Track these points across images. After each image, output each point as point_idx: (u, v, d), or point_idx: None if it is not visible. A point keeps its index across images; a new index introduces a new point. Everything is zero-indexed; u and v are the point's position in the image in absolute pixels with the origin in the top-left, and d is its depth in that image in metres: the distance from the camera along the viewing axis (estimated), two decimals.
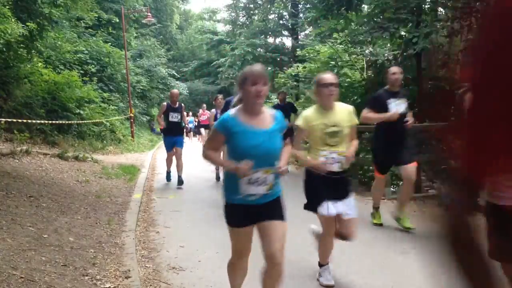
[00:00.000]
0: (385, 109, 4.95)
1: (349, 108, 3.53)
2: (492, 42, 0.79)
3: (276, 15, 28.10)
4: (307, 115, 3.43)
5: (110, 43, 19.41)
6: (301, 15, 27.39)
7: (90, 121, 12.87)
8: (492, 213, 1.31)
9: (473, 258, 0.85)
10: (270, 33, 29.51)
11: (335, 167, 3.36)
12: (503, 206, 1.30)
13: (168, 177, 8.74)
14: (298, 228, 4.14)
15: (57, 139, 10.95)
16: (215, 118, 8.06)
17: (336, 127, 3.35)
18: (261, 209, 2.62)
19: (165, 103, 8.36)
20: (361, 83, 10.60)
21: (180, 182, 8.21)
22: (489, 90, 0.78)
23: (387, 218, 5.64)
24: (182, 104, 8.51)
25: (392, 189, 7.28)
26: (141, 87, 22.72)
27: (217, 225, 5.43)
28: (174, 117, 8.17)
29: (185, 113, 8.88)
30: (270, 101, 21.34)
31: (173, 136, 8.29)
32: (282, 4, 26.79)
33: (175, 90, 8.61)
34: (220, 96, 8.63)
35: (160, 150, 16.11)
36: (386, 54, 12.09)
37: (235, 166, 2.51)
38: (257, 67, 2.63)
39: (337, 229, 3.46)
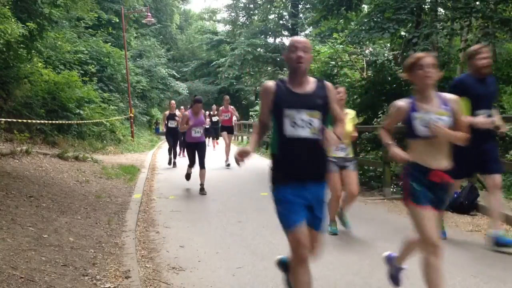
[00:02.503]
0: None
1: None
2: None
3: (276, 15, 28.13)
4: None
5: (110, 43, 19.41)
6: (301, 15, 27.43)
7: (90, 121, 12.87)
8: None
9: None
10: (270, 33, 29.55)
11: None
12: None
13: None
14: None
15: (57, 139, 10.95)
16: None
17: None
18: None
19: (271, 84, 2.61)
20: (361, 83, 10.59)
21: None
22: None
23: (387, 218, 5.64)
24: (328, 85, 2.63)
25: (392, 189, 7.27)
26: (141, 87, 22.73)
27: (217, 225, 5.44)
28: (302, 123, 2.50)
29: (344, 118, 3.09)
30: None
31: (303, 186, 2.54)
32: (282, 4, 26.79)
33: (299, 39, 2.64)
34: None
35: (160, 150, 16.11)
36: (386, 54, 12.10)
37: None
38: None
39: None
